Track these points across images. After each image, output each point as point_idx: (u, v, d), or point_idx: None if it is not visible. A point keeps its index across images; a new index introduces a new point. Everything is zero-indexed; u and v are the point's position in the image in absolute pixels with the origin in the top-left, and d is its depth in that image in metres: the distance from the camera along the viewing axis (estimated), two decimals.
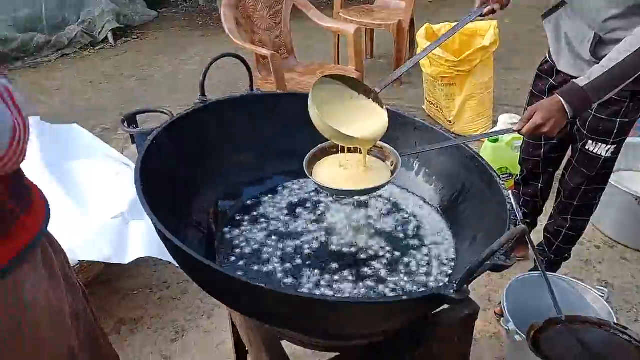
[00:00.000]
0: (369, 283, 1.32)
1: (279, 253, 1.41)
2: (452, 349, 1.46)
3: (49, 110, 4.13)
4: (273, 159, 1.70)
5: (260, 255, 1.40)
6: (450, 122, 3.61)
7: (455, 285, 1.01)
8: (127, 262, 2.07)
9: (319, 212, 1.58)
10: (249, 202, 1.62)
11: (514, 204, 1.31)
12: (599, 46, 1.68)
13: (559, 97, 1.47)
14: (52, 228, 1.17)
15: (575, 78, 1.76)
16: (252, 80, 1.69)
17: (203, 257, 1.02)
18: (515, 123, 2.83)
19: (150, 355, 2.14)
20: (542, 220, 2.38)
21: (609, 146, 1.81)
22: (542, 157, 2.11)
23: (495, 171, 1.43)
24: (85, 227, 2.10)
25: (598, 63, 1.55)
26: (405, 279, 1.35)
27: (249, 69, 1.67)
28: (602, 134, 1.79)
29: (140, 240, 2.13)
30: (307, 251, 1.42)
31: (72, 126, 2.84)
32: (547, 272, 1.78)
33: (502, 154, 2.83)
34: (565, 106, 1.46)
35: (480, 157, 1.48)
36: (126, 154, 2.88)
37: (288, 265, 1.37)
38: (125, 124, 2.91)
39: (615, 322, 1.72)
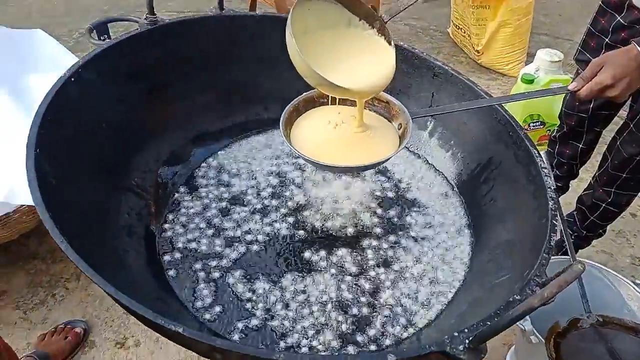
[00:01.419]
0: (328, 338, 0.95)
1: (233, 255, 1.07)
2: None
3: (17, 10, 3.65)
4: (243, 104, 1.32)
5: (208, 256, 1.06)
6: (478, 52, 3.11)
7: (468, 342, 0.68)
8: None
9: (287, 192, 1.22)
10: (202, 165, 1.25)
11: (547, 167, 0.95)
12: None
13: (638, 48, 1.05)
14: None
15: None
16: None
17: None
18: (555, 61, 2.43)
19: (111, 308, 1.90)
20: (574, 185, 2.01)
21: None
22: (590, 112, 1.70)
23: (537, 149, 1.05)
24: None
25: None
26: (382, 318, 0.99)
27: None
28: None
29: None
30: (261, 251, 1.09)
31: (34, 32, 2.43)
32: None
33: None
34: None
35: (519, 126, 1.09)
36: None
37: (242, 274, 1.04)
38: (95, 34, 2.48)
39: None
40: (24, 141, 1.53)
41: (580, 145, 1.82)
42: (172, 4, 3.85)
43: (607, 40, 1.50)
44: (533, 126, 2.48)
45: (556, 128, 1.91)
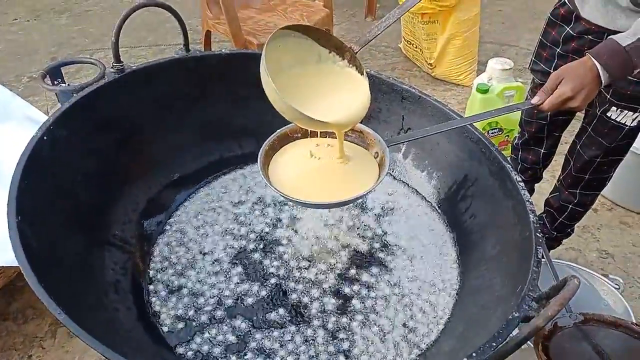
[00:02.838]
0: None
1: (228, 302, 1.05)
2: None
3: None
4: (218, 142, 1.32)
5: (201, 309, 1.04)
6: (430, 65, 3.21)
7: None
8: None
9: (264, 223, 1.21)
10: (180, 210, 1.23)
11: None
12: None
13: (593, 59, 1.11)
14: None
15: (603, 29, 1.41)
16: (186, 37, 1.26)
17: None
18: (506, 69, 2.54)
19: None
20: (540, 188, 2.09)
21: (637, 114, 1.47)
22: (549, 119, 1.78)
23: (509, 162, 1.09)
24: None
25: None
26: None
27: (180, 21, 1.24)
28: (630, 100, 1.45)
29: None
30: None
31: None
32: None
33: (492, 105, 2.48)
34: (601, 72, 1.10)
35: (490, 142, 1.13)
36: None
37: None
38: (48, 79, 2.41)
39: (634, 320, 1.47)
40: None
41: (542, 150, 1.89)
42: (124, 38, 3.79)
43: (558, 50, 1.57)
44: (492, 133, 2.57)
45: (517, 135, 1.98)
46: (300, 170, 1.06)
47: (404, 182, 1.32)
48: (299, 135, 1.10)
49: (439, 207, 1.26)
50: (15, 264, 1.53)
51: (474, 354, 0.71)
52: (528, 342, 1.43)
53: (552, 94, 1.12)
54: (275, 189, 0.97)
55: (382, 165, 1.05)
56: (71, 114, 1.04)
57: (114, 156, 1.14)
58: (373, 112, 1.31)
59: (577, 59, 1.15)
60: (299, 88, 0.99)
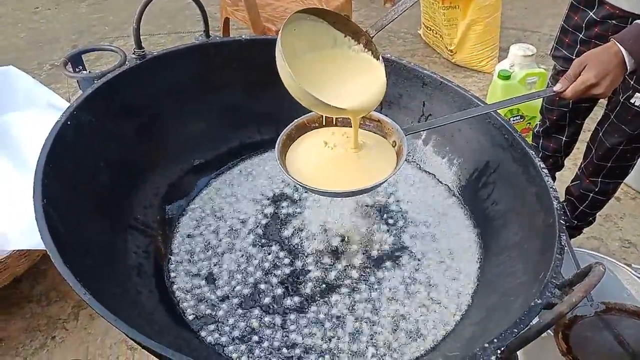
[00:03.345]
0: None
1: (245, 291, 1.05)
2: None
3: None
4: (237, 128, 1.32)
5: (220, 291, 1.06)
6: (451, 51, 3.16)
7: (499, 352, 0.69)
8: None
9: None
10: (201, 196, 1.24)
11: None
12: None
13: (618, 45, 1.09)
14: None
15: (628, 13, 1.38)
16: (206, 23, 1.26)
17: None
18: (528, 55, 2.49)
19: (114, 345, 1.86)
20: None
21: None
22: (570, 106, 1.75)
23: (532, 148, 1.07)
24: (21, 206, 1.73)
25: None
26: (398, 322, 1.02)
27: (201, 7, 1.23)
28: None
29: None
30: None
31: (7, 69, 2.37)
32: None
33: (514, 92, 2.44)
34: (626, 58, 1.08)
35: (513, 128, 1.11)
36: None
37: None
38: (69, 66, 2.43)
39: None
40: (9, 186, 1.49)
41: (564, 138, 1.86)
42: (145, 26, 3.82)
43: (581, 35, 1.54)
44: (513, 120, 2.53)
45: (538, 123, 1.95)
46: (317, 159, 1.05)
47: (424, 169, 1.31)
48: (317, 124, 1.10)
49: (460, 194, 1.25)
50: (39, 247, 1.57)
51: (495, 340, 0.70)
52: (549, 331, 1.42)
53: (575, 80, 1.09)
54: (292, 177, 0.97)
55: (399, 153, 1.04)
56: (94, 100, 1.05)
57: (136, 141, 1.15)
58: (394, 97, 1.31)
59: (600, 45, 1.12)
60: (314, 73, 0.98)
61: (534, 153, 1.05)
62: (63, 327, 1.80)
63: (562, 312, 0.63)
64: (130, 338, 0.71)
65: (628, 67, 1.09)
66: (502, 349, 0.68)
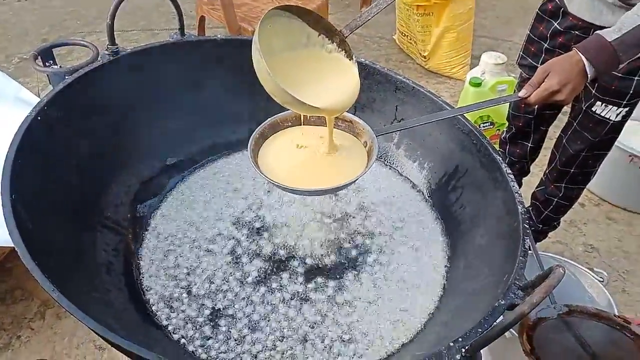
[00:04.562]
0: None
1: (213, 286, 1.06)
2: None
3: None
4: (211, 127, 1.32)
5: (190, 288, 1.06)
6: (424, 57, 3.22)
7: (464, 351, 0.72)
8: None
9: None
10: (173, 194, 1.24)
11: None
12: None
13: (580, 54, 1.13)
14: None
15: (589, 24, 1.44)
16: (181, 21, 1.26)
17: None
18: (499, 63, 2.55)
19: (81, 345, 1.83)
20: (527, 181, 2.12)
21: (621, 109, 1.50)
22: (535, 113, 1.80)
23: (499, 154, 1.11)
24: None
25: (626, 8, 1.21)
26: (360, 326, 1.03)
27: (176, 4, 1.23)
28: (615, 94, 1.48)
29: None
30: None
31: None
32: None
33: (484, 99, 2.50)
34: (587, 67, 1.12)
35: (481, 134, 1.15)
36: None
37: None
38: (39, 60, 2.38)
39: (616, 313, 1.50)
40: None
41: (529, 144, 1.92)
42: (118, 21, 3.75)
43: (546, 45, 1.59)
44: (484, 127, 2.59)
45: (505, 129, 2.01)
46: (289, 158, 1.06)
47: (395, 171, 1.34)
48: (290, 123, 1.11)
49: (429, 196, 1.27)
50: (7, 244, 1.53)
51: (459, 339, 0.73)
52: (513, 332, 1.47)
53: (539, 87, 1.14)
54: (265, 175, 0.97)
55: (370, 154, 1.06)
56: (65, 95, 1.04)
57: (108, 139, 1.14)
58: (367, 101, 1.33)
59: (563, 54, 1.17)
60: (290, 71, 0.99)
61: (500, 159, 1.08)
62: (29, 326, 1.76)
63: (523, 312, 0.66)
64: (99, 335, 0.70)
65: (589, 75, 1.13)
66: (467, 347, 0.71)
